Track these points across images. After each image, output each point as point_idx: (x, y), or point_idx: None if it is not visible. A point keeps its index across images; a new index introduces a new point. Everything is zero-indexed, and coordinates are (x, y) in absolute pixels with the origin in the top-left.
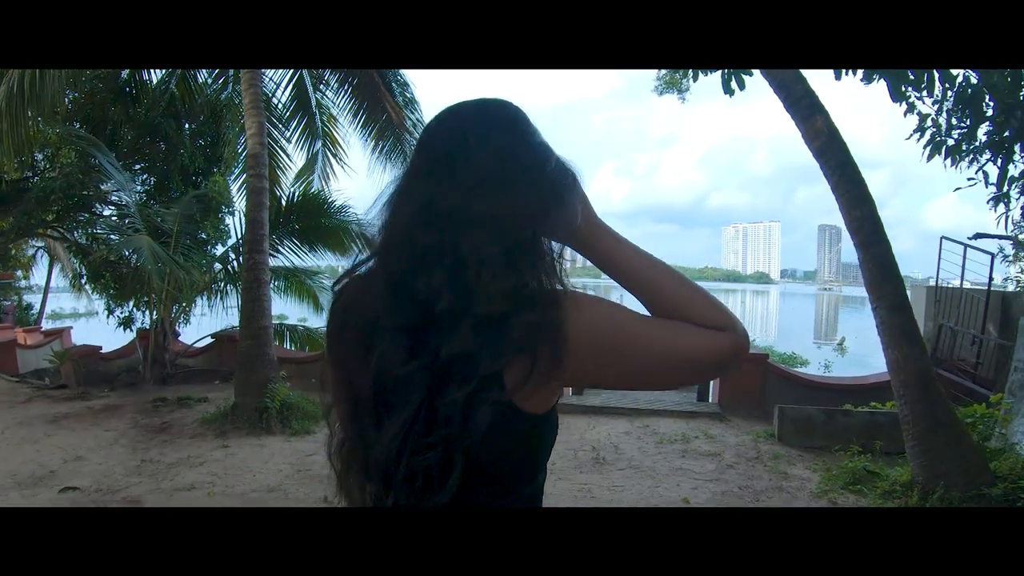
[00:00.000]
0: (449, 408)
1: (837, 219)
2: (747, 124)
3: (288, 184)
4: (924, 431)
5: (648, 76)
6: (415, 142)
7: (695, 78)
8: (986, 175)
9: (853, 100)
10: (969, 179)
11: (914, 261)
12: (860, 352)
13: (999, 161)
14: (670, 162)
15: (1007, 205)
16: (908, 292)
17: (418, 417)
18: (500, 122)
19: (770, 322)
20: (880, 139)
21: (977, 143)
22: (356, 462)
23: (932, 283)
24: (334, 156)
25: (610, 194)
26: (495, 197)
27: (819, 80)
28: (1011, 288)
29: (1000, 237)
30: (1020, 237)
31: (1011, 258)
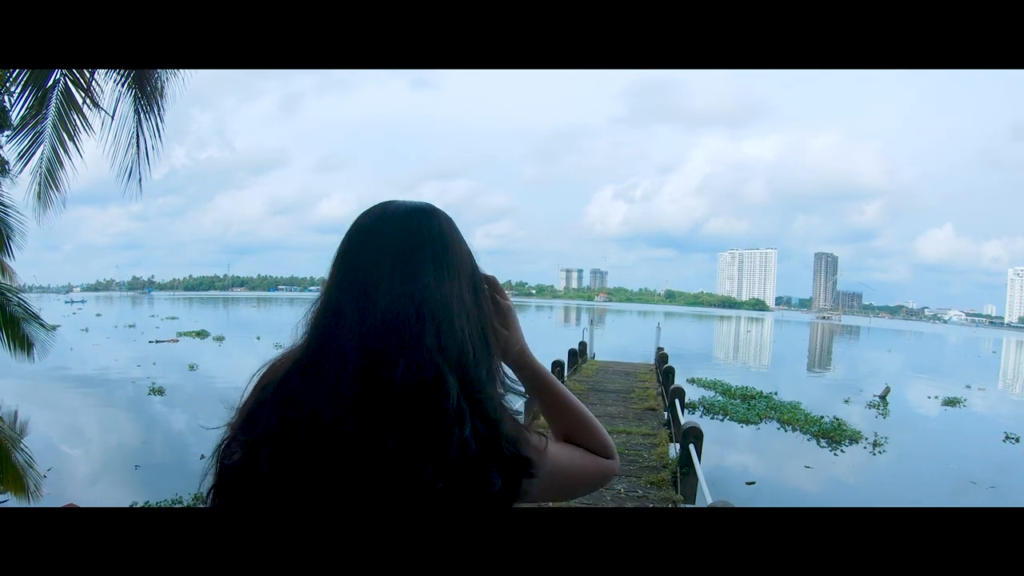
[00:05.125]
0: None
1: (834, 247)
2: (748, 153)
3: None
4: None
5: (651, 104)
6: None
7: None
8: None
9: (849, 132)
10: None
11: (908, 292)
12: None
13: None
14: (669, 188)
15: None
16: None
17: None
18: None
19: (790, 353)
20: (875, 170)
21: None
22: None
23: (928, 313)
24: None
25: (607, 218)
26: (475, 295)
27: (816, 107)
28: None
29: None
30: None
31: None
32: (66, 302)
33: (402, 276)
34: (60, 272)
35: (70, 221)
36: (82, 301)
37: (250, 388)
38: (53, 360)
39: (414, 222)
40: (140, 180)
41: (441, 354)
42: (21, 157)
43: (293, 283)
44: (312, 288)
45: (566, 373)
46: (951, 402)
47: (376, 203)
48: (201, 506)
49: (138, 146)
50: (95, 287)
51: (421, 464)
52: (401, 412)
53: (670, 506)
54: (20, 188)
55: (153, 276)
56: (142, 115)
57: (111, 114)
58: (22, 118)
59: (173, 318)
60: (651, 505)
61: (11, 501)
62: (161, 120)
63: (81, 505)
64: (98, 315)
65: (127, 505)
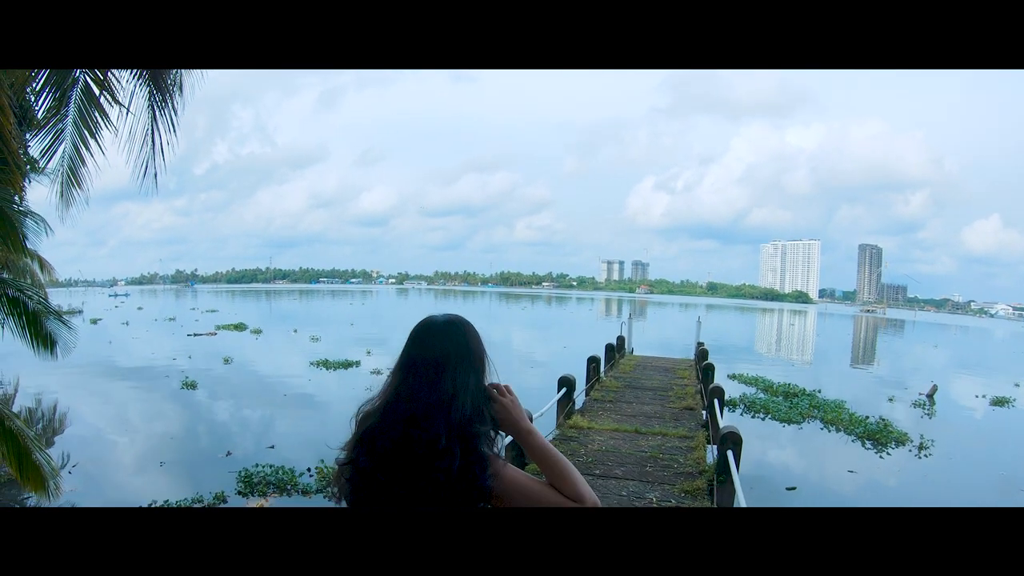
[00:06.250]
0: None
1: (878, 239)
2: (790, 143)
3: None
4: None
5: (691, 94)
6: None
7: None
8: None
9: (892, 120)
10: None
11: (955, 285)
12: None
13: None
14: (711, 179)
15: None
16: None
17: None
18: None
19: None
20: (920, 159)
21: None
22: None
23: (974, 307)
24: None
25: (648, 210)
26: (471, 395)
27: (859, 96)
28: None
29: None
30: None
31: None
32: (110, 296)
33: (434, 372)
34: (105, 267)
35: (115, 217)
36: (125, 295)
37: (354, 423)
38: (90, 353)
39: (448, 333)
40: (156, 175)
41: (445, 424)
42: (43, 155)
43: (334, 275)
44: (353, 280)
45: (603, 369)
46: (999, 402)
47: (425, 316)
48: (208, 506)
49: (152, 142)
50: (139, 281)
51: (423, 485)
52: (420, 460)
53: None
54: (51, 187)
55: (196, 269)
56: (156, 111)
57: (127, 107)
58: (43, 117)
59: (213, 311)
60: None
61: (32, 499)
62: (176, 114)
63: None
64: (139, 308)
65: (146, 503)
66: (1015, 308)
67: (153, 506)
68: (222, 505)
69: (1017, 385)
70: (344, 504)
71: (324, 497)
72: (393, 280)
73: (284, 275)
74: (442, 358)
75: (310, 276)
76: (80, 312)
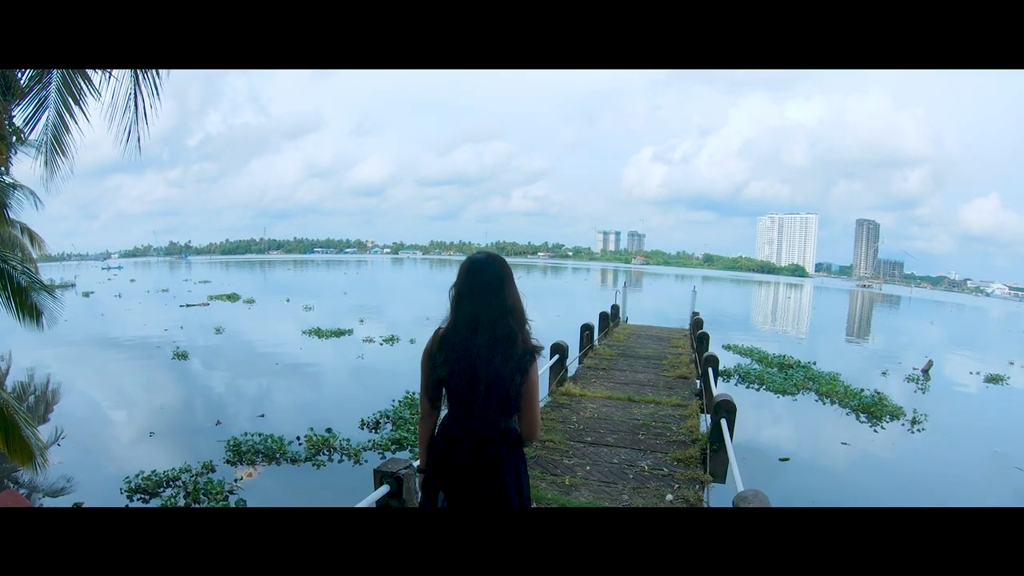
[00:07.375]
0: (519, 381)
1: (876, 214)
2: (790, 116)
3: None
4: None
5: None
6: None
7: None
8: None
9: (893, 95)
10: None
11: (951, 262)
12: (945, 385)
13: None
14: (709, 150)
15: None
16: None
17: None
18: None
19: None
20: (919, 135)
21: None
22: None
23: (971, 285)
24: None
25: (645, 180)
26: (518, 302)
27: (861, 72)
28: None
29: None
30: None
31: None
32: (103, 268)
33: (496, 291)
34: (98, 240)
35: (107, 190)
36: (119, 267)
37: (430, 338)
38: (82, 326)
39: (496, 264)
40: (139, 140)
41: (515, 324)
42: (27, 123)
43: (329, 246)
44: (348, 250)
45: (596, 337)
46: (993, 379)
47: (472, 253)
48: (207, 507)
49: (136, 106)
50: (133, 253)
51: (508, 363)
52: (501, 347)
53: (696, 487)
54: (37, 158)
55: (190, 241)
56: (139, 75)
57: (109, 71)
58: (26, 85)
59: (206, 282)
60: (676, 485)
61: (22, 472)
62: (159, 78)
63: (86, 497)
64: (132, 280)
65: (134, 474)
66: (1011, 288)
67: (142, 475)
68: (211, 474)
69: (1011, 363)
70: (444, 404)
71: (312, 466)
72: (388, 250)
73: (279, 246)
74: (496, 280)
75: (305, 246)
76: (73, 285)
